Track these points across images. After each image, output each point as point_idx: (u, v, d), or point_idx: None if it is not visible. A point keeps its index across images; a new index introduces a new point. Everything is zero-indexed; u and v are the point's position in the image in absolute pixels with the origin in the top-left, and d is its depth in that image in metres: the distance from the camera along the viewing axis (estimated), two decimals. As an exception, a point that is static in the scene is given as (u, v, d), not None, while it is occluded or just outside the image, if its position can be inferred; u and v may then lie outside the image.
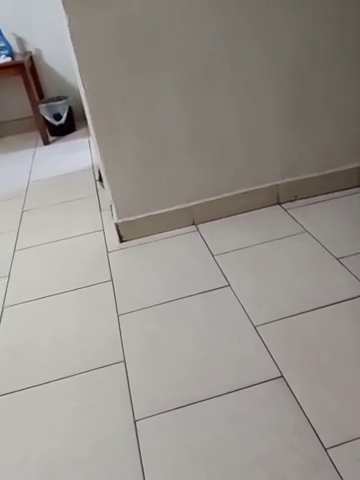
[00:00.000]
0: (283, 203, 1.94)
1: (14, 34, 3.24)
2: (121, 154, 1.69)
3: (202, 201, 1.86)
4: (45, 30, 3.30)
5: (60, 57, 3.36)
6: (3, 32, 3.15)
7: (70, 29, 1.44)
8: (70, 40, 1.47)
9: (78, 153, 3.02)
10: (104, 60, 1.51)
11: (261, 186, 1.89)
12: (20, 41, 3.26)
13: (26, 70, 3.04)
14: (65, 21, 1.45)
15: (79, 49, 1.48)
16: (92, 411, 1.14)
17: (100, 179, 2.36)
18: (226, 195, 1.87)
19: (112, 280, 1.64)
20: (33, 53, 3.38)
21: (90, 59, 1.50)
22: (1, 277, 1.76)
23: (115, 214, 1.82)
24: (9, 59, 3.05)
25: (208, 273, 1.58)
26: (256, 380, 1.15)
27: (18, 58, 3.12)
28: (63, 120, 3.35)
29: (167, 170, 1.77)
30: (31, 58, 3.35)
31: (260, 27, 1.58)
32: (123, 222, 1.82)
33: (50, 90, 3.51)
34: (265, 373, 1.16)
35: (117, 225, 1.83)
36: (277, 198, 1.93)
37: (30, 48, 3.37)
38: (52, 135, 3.42)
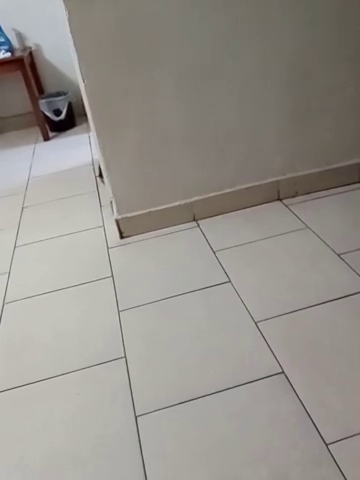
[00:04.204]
0: (284, 199, 1.93)
1: (14, 29, 3.23)
2: (121, 150, 1.69)
3: (203, 197, 1.86)
4: (45, 25, 3.28)
5: (60, 52, 3.34)
6: (2, 27, 3.13)
7: (70, 23, 1.44)
8: (70, 34, 1.46)
9: (78, 149, 3.01)
10: (104, 54, 1.50)
11: (262, 182, 1.88)
12: (20, 36, 3.25)
13: (26, 65, 3.03)
14: (65, 15, 1.44)
15: (79, 43, 1.47)
16: (93, 407, 1.14)
17: (100, 175, 2.35)
18: (227, 191, 1.86)
19: (112, 276, 1.64)
20: (33, 48, 3.37)
21: (90, 53, 1.49)
22: (1, 273, 1.76)
23: (115, 210, 1.81)
24: (9, 54, 3.04)
25: (209, 269, 1.58)
26: (257, 376, 1.15)
27: (18, 53, 3.10)
28: (63, 116, 3.34)
29: (168, 166, 1.76)
30: (31, 53, 3.34)
31: (260, 24, 1.57)
32: (123, 218, 1.82)
33: (50, 85, 3.50)
34: (266, 369, 1.16)
35: (117, 221, 1.83)
36: (278, 194, 1.92)
37: (30, 43, 3.35)
38: (52, 131, 3.41)
